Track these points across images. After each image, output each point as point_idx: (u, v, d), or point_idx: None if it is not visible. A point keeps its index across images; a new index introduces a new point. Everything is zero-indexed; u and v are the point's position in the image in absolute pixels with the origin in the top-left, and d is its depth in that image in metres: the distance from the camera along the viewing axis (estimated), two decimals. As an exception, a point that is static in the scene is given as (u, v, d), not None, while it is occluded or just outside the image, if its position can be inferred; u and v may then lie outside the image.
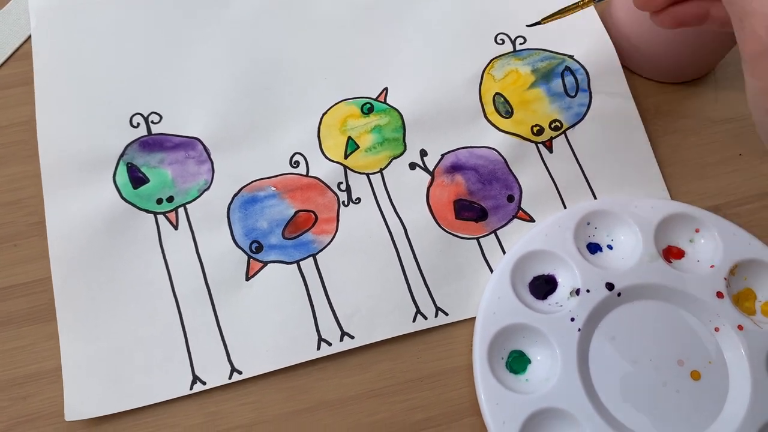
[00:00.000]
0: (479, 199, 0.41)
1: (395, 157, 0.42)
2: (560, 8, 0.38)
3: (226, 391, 0.36)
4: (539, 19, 0.39)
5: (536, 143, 0.42)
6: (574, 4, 0.38)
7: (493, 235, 0.40)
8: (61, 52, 0.43)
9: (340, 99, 0.43)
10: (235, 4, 0.45)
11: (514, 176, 0.41)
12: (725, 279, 0.38)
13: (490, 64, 0.44)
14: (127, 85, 0.43)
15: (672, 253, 0.39)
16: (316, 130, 0.42)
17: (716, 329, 0.37)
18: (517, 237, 0.40)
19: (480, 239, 0.40)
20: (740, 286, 0.39)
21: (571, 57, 0.44)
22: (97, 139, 0.41)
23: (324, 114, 0.43)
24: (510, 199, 0.41)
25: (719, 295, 0.38)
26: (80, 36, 0.44)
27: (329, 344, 0.37)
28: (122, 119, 0.42)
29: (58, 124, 0.41)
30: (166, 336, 0.37)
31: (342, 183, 0.41)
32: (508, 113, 0.43)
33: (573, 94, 0.43)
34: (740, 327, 0.37)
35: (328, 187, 0.41)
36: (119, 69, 0.43)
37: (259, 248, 0.39)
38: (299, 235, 0.39)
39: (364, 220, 0.40)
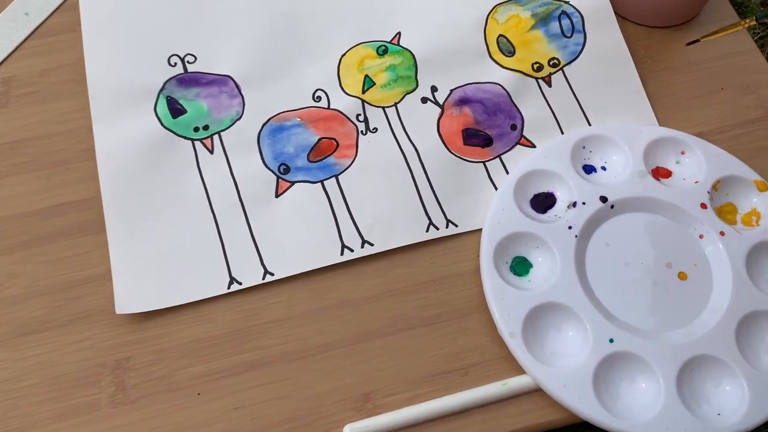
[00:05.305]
0: (485, 128, 0.45)
1: (408, 93, 0.46)
2: (720, 27, 0.45)
3: (260, 292, 0.40)
4: (698, 38, 0.45)
5: (536, 78, 0.46)
6: (733, 24, 0.44)
7: (498, 159, 0.44)
8: (106, 1, 0.48)
9: (358, 42, 0.47)
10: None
11: (517, 108, 0.45)
12: (708, 192, 0.42)
13: (494, 9, 0.48)
14: (165, 30, 0.47)
15: (660, 173, 0.43)
16: (336, 69, 0.46)
17: (701, 236, 0.41)
18: (520, 160, 0.44)
19: (486, 163, 0.44)
20: (722, 201, 0.43)
21: (566, 2, 0.48)
22: (139, 76, 0.45)
23: (343, 55, 0.47)
24: (513, 127, 0.45)
25: (703, 206, 0.41)
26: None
27: (351, 250, 0.41)
28: (161, 59, 0.46)
29: (104, 63, 0.46)
30: (204, 243, 0.41)
31: (360, 115, 0.45)
32: (511, 53, 0.47)
33: (569, 35, 0.47)
34: (722, 233, 0.41)
35: (348, 118, 0.45)
36: (158, 16, 0.48)
37: (287, 170, 0.43)
38: (323, 159, 0.43)
39: (381, 146, 0.44)
